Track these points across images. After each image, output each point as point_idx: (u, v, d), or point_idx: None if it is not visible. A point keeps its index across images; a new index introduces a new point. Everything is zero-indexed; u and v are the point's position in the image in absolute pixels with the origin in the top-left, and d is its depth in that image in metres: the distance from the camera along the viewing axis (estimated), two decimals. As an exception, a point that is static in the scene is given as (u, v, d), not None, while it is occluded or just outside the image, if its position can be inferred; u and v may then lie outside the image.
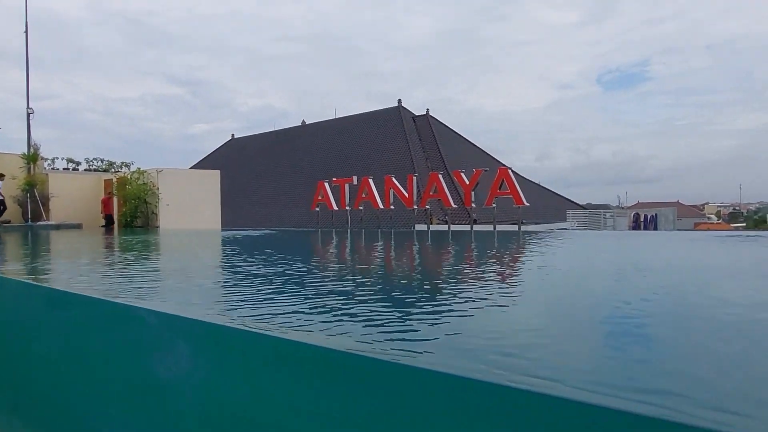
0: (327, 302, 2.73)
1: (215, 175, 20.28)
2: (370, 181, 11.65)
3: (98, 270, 5.34)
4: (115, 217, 19.80)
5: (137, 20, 77.21)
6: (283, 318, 2.16)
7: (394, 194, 11.40)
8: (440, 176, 10.75)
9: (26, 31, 20.54)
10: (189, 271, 4.84)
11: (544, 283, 3.46)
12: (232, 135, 49.26)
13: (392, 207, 11.53)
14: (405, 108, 36.62)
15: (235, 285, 3.73)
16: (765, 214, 76.69)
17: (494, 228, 10.31)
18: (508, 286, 3.42)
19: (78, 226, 19.03)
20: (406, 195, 11.23)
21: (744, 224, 72.51)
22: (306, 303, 2.70)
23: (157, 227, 17.97)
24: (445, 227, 11.42)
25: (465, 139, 37.73)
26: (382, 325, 2.07)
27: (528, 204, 10.05)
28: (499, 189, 9.98)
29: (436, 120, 36.43)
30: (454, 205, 10.76)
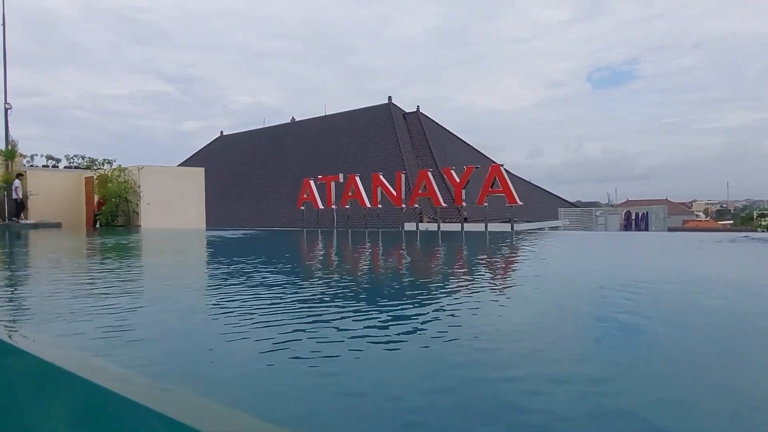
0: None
1: (200, 172, 19.72)
2: (357, 179, 11.21)
3: None
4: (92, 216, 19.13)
5: (128, 17, 76.26)
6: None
7: (381, 192, 10.98)
8: (429, 174, 10.35)
9: (3, 24, 19.87)
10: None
11: (544, 313, 3.07)
12: (221, 132, 48.58)
13: (380, 206, 11.11)
14: (395, 105, 36.17)
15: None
16: (752, 212, 77.32)
17: (486, 228, 9.93)
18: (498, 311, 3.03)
19: (57, 225, 18.42)
20: (394, 193, 10.81)
21: (731, 221, 73.01)
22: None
23: (138, 226, 17.42)
24: (435, 226, 11.02)
25: (456, 136, 37.34)
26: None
27: (521, 203, 9.67)
28: (491, 187, 9.59)
29: (427, 117, 36.01)
30: (443, 204, 10.37)
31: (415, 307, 2.86)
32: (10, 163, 19.56)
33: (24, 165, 20.79)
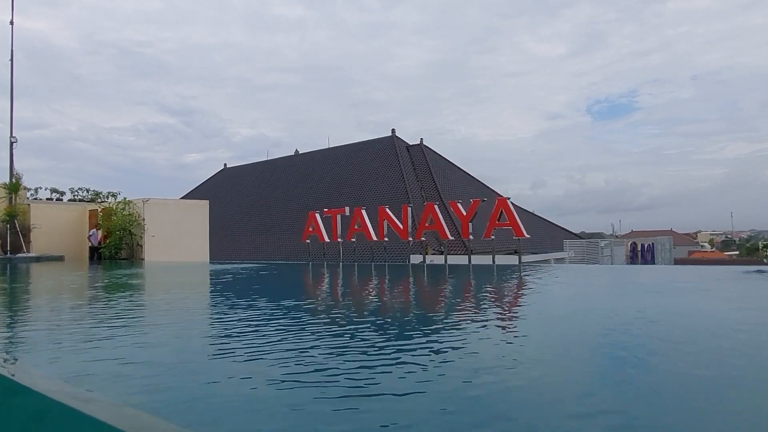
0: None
1: (204, 205, 19.70)
2: (363, 212, 11.14)
3: None
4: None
5: (130, 50, 77.62)
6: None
7: (388, 225, 10.89)
8: (436, 207, 10.27)
9: (11, 59, 20.20)
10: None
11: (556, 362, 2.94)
12: (225, 164, 48.88)
13: (386, 239, 11.00)
14: (399, 137, 36.44)
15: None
16: (757, 242, 76.80)
17: (493, 261, 9.80)
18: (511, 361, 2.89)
19: (60, 258, 18.31)
20: (401, 226, 10.72)
21: (737, 252, 72.45)
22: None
23: (142, 260, 17.30)
24: (441, 260, 10.89)
25: (459, 168, 37.46)
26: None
27: (528, 236, 9.56)
28: (498, 220, 9.50)
29: (430, 149, 36.23)
30: (450, 237, 10.26)
31: (444, 341, 2.74)
32: (14, 196, 19.60)
33: (28, 197, 20.82)
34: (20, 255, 18.18)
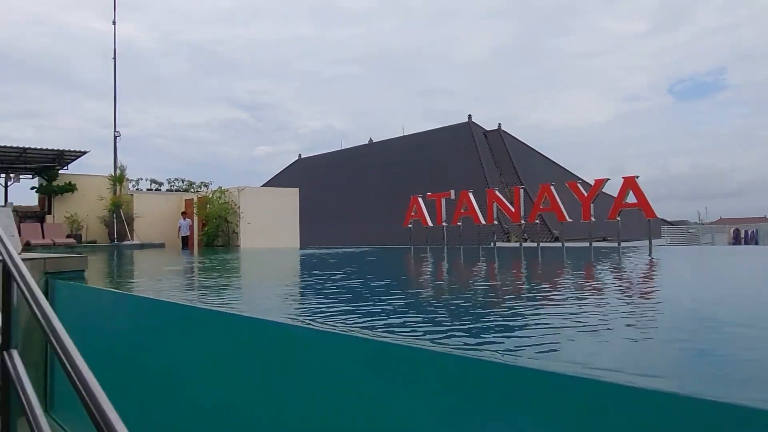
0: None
1: (294, 193, 20.07)
2: (470, 195, 10.83)
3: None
4: (195, 237, 19.81)
5: (204, 48, 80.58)
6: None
7: (498, 208, 10.53)
8: (552, 188, 9.79)
9: (114, 57, 21.30)
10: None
11: None
12: (299, 155, 49.90)
13: (495, 222, 10.66)
14: (475, 123, 35.72)
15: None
16: None
17: (619, 245, 9.25)
18: None
19: (161, 246, 19.22)
20: (512, 209, 10.34)
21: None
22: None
23: (238, 246, 17.84)
24: (555, 243, 10.42)
25: (539, 153, 36.25)
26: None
27: (659, 216, 8.91)
28: (624, 201, 8.93)
29: (509, 134, 35.27)
30: (569, 219, 9.75)
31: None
32: (119, 186, 20.76)
33: (131, 189, 22.02)
34: (126, 242, 19.23)
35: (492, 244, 11.69)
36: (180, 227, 19.63)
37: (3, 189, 21.31)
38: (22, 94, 68.76)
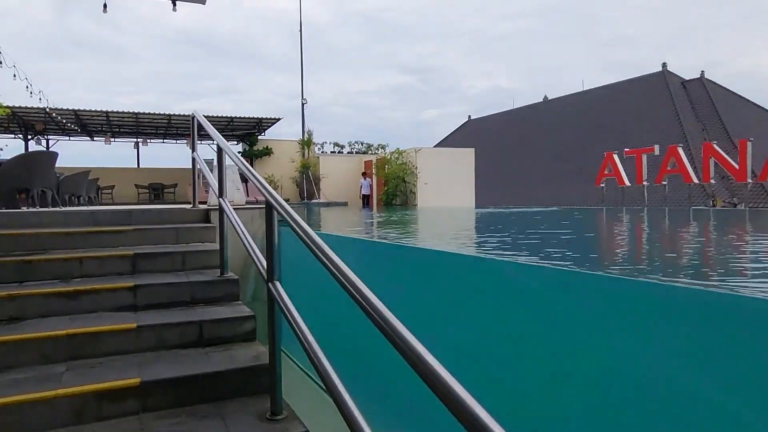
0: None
1: (470, 153, 19.84)
2: (680, 149, 9.51)
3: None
4: (374, 196, 20.80)
5: (373, 17, 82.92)
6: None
7: (715, 164, 9.10)
8: None
9: (300, 30, 22.82)
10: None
11: None
12: (469, 116, 49.22)
13: (712, 181, 9.24)
14: (671, 72, 31.49)
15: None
16: None
17: None
18: None
19: (344, 204, 20.58)
20: (736, 166, 8.85)
21: None
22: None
23: (415, 206, 18.30)
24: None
25: (752, 102, 30.78)
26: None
27: None
28: None
29: (714, 83, 30.48)
30: (816, 178, 8.04)
31: None
32: (306, 149, 22.55)
33: (317, 152, 23.79)
34: (314, 201, 20.95)
35: (711, 204, 10.23)
36: (361, 186, 20.76)
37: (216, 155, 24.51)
38: (221, 74, 78.32)
